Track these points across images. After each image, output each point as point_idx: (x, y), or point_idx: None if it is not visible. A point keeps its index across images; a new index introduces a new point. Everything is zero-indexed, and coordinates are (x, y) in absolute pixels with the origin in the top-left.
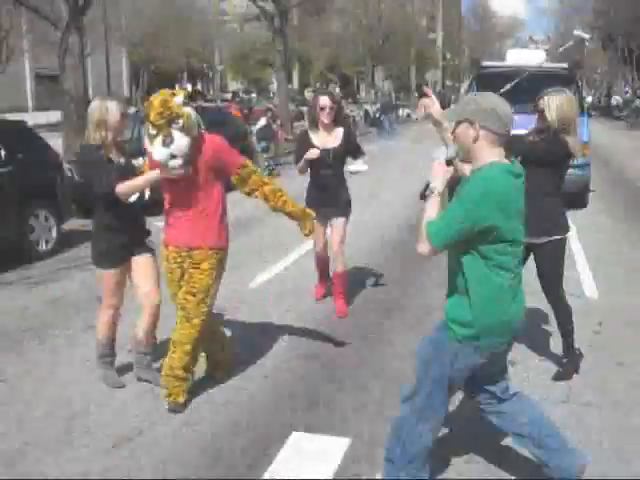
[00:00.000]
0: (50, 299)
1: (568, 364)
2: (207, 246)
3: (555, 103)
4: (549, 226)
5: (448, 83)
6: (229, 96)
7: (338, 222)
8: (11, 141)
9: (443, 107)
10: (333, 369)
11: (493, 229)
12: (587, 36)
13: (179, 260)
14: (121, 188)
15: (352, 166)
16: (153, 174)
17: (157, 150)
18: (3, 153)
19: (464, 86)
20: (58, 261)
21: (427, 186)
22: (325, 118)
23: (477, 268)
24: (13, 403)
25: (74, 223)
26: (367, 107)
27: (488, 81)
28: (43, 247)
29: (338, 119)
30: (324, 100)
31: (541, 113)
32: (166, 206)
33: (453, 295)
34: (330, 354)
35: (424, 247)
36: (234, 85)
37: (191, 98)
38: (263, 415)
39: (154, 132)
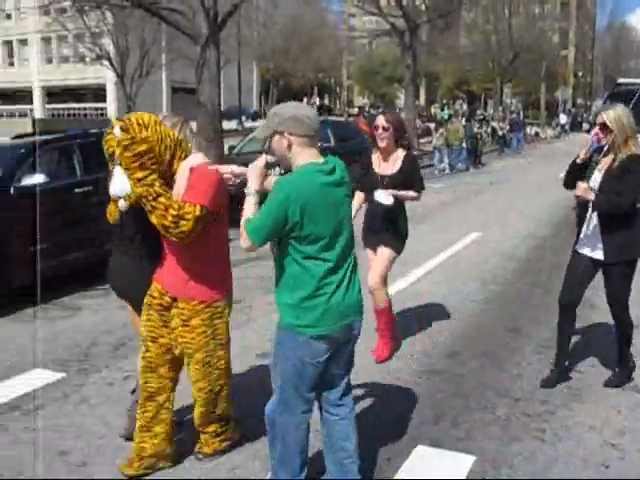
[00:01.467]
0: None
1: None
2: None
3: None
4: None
5: (579, 101)
6: (355, 111)
7: (380, 252)
8: None
9: (574, 126)
10: (458, 386)
11: (297, 225)
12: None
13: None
14: None
15: (377, 196)
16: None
17: (114, 181)
18: None
19: (596, 104)
20: None
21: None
22: (380, 141)
23: (289, 261)
24: None
25: None
26: (494, 124)
27: (623, 99)
28: None
29: (401, 142)
30: (379, 120)
31: (603, 127)
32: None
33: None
34: (455, 371)
35: (244, 242)
36: (360, 100)
37: (319, 112)
38: (388, 427)
39: (112, 163)
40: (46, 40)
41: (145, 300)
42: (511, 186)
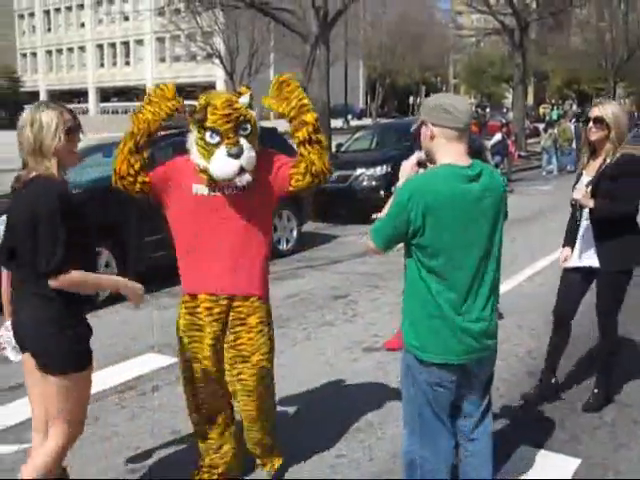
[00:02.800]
0: (289, 294)
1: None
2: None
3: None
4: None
5: None
6: None
7: None
8: (264, 145)
9: None
10: (564, 388)
11: (419, 232)
12: None
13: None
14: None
15: None
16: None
17: (221, 162)
18: None
19: None
20: (296, 260)
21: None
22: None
23: (411, 271)
24: None
25: (310, 226)
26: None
27: None
28: (284, 246)
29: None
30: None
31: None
32: (180, 240)
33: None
34: (558, 374)
35: (369, 243)
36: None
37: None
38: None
39: (215, 140)
40: (160, 40)
41: (186, 321)
42: None
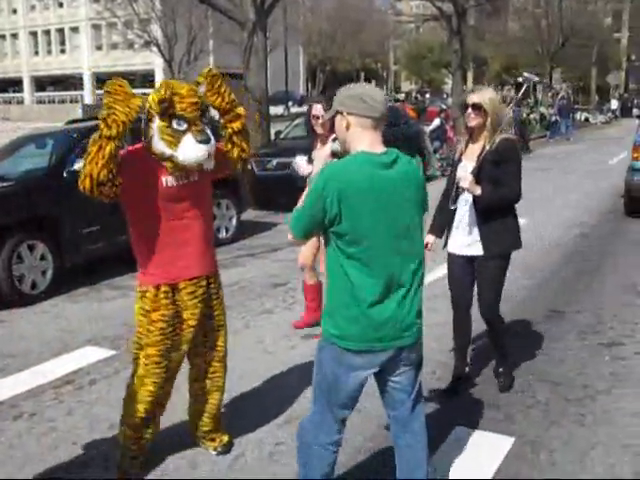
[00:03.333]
0: (229, 283)
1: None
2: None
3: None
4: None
5: (632, 86)
6: (402, 96)
7: None
8: None
9: (624, 111)
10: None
11: (336, 219)
12: (535, 78)
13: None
14: None
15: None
16: None
17: (190, 148)
18: None
19: None
20: (236, 249)
21: None
22: (318, 128)
23: (331, 260)
24: None
25: (250, 214)
26: (543, 110)
27: None
28: (224, 235)
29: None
30: (316, 109)
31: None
32: (152, 234)
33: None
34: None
35: (289, 234)
36: (407, 86)
37: None
38: (427, 408)
39: (182, 127)
40: (96, 27)
41: (170, 311)
42: (558, 173)
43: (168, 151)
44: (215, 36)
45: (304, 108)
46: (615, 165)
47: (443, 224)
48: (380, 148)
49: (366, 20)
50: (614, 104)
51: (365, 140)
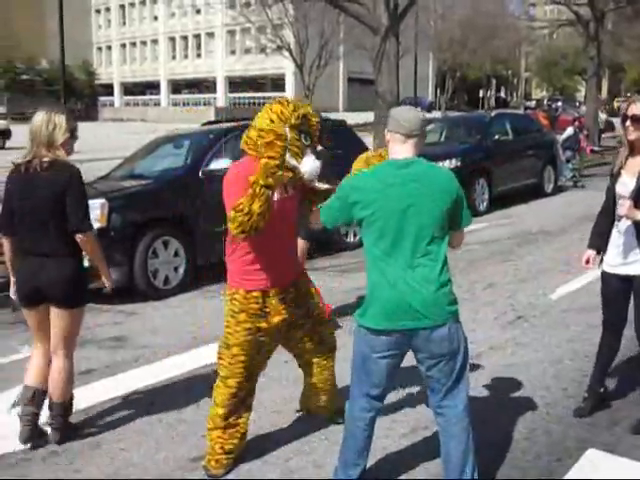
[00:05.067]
0: (356, 287)
1: None
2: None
3: None
4: None
5: None
6: (533, 104)
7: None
8: (333, 138)
9: None
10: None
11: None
12: None
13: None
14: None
15: None
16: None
17: (311, 161)
18: None
19: None
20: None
21: None
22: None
23: (364, 249)
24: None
25: None
26: None
27: None
28: (351, 239)
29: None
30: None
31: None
32: (250, 244)
33: None
34: (634, 373)
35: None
36: (538, 93)
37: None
38: (561, 426)
39: (307, 142)
40: (231, 33)
41: (247, 314)
42: None
43: (293, 162)
44: (346, 41)
45: (433, 114)
46: None
47: (601, 240)
48: (405, 156)
49: (498, 26)
50: None
51: (393, 150)
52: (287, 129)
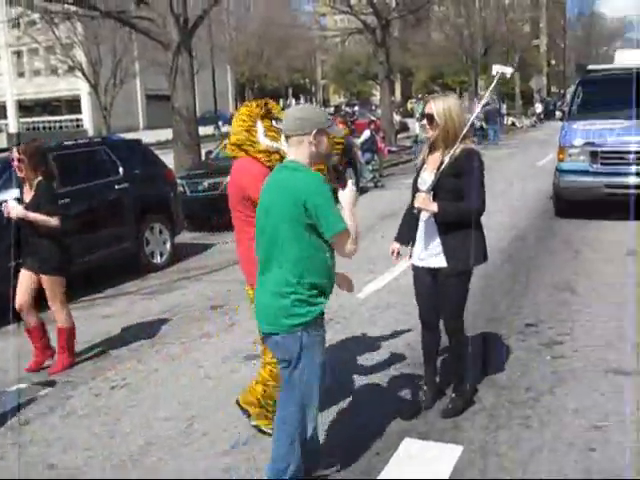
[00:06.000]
0: (166, 309)
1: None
2: None
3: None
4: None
5: (553, 90)
6: (332, 110)
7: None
8: (129, 158)
9: (547, 115)
10: (444, 377)
11: None
12: (509, 70)
13: None
14: None
15: None
16: None
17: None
18: (121, 170)
19: (570, 92)
20: (172, 273)
21: None
22: None
23: None
24: (137, 407)
25: (184, 237)
26: (469, 116)
27: (593, 86)
28: (158, 259)
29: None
30: None
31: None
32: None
33: None
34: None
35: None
36: (336, 99)
37: None
38: (376, 420)
39: (279, 125)
40: (17, 54)
41: None
42: (489, 178)
43: (275, 144)
44: (141, 58)
45: None
46: (543, 167)
47: (408, 233)
48: (289, 157)
49: (291, 36)
50: (538, 108)
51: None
52: (259, 123)
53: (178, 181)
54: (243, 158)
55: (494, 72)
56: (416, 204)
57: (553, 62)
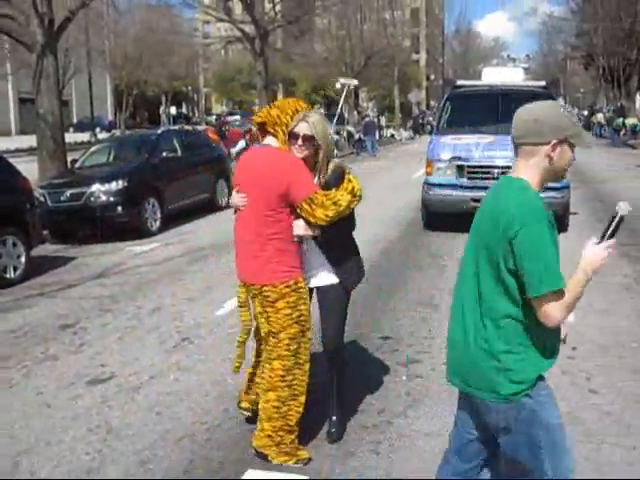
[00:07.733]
0: (12, 329)
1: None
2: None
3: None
4: None
5: (432, 103)
6: (213, 118)
7: None
8: None
9: (417, 128)
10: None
11: None
12: (354, 82)
13: None
14: None
15: None
16: None
17: None
18: None
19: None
20: (26, 288)
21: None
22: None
23: None
24: None
25: (45, 249)
26: (350, 128)
27: (460, 101)
28: (11, 274)
29: None
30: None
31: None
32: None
33: None
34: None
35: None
36: (218, 107)
37: (177, 121)
38: (220, 450)
39: None
40: None
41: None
42: (364, 189)
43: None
44: (12, 59)
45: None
46: (417, 179)
47: None
48: None
49: (172, 42)
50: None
51: None
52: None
53: (38, 191)
54: (270, 148)
55: (338, 85)
56: (296, 232)
57: (432, 77)
